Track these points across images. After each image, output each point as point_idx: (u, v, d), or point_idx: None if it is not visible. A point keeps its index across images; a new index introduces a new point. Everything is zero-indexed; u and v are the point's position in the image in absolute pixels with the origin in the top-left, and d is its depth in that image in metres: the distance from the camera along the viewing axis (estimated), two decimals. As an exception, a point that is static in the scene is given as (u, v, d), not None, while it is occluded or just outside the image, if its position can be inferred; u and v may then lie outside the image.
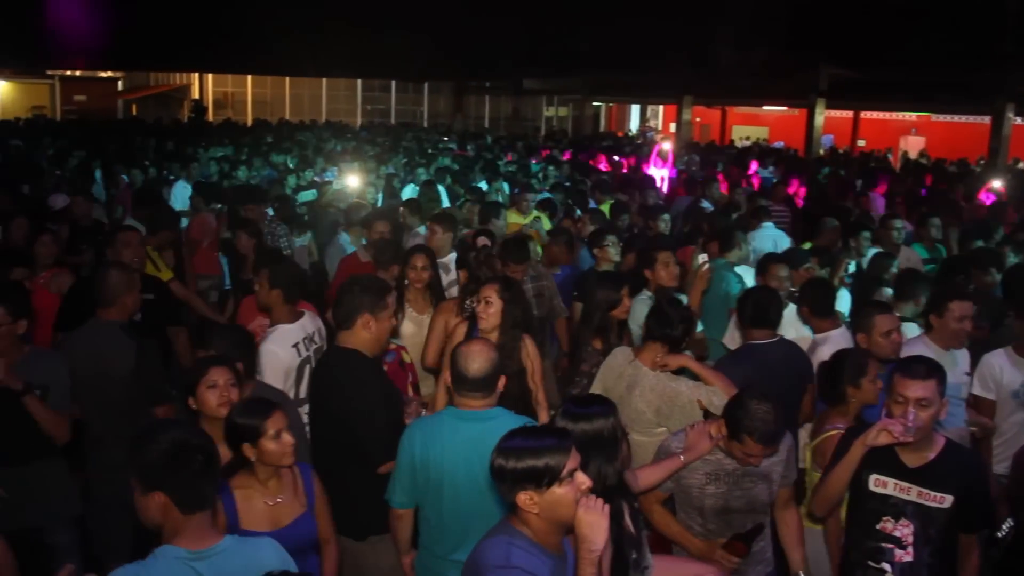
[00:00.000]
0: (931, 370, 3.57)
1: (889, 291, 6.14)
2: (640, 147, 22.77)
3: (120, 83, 45.89)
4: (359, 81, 44.39)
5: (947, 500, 3.58)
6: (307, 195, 11.24)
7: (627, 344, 5.21)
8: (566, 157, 18.92)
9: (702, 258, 5.74)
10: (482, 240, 6.57)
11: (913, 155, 28.00)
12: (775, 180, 13.92)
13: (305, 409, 4.52)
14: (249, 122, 33.53)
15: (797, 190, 13.01)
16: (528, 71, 27.89)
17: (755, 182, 14.56)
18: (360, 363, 4.06)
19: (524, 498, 2.67)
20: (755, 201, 10.34)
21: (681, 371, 4.70)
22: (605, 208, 10.02)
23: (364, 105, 45.20)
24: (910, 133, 34.32)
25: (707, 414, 4.40)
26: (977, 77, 16.54)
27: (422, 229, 8.45)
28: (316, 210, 10.06)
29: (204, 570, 2.58)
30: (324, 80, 43.77)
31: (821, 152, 20.17)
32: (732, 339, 5.99)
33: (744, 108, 37.31)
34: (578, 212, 9.68)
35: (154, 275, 6.38)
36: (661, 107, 43.34)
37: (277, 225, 8.63)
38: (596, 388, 4.89)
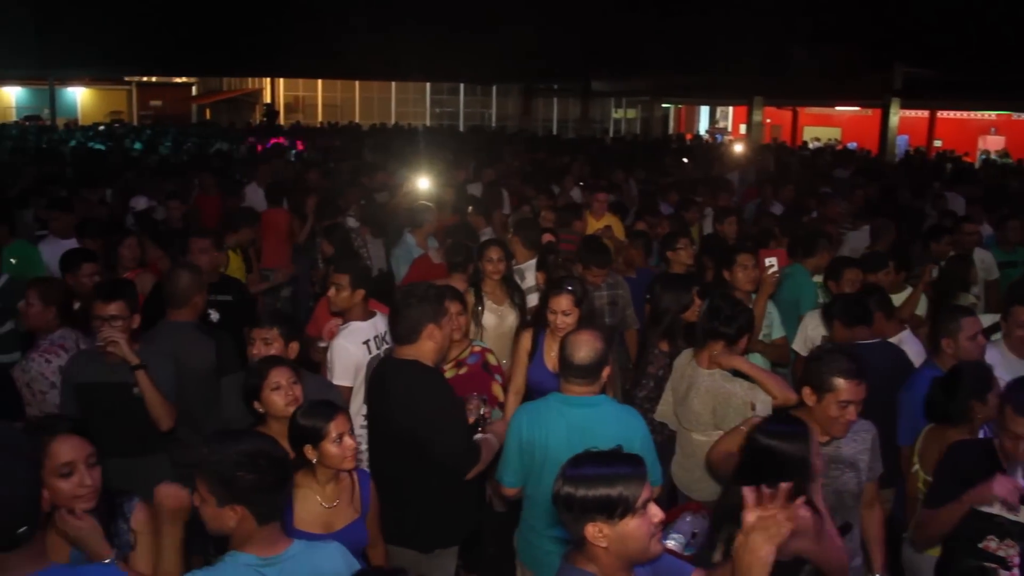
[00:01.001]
0: None
1: (972, 296, 6.00)
2: (709, 148, 22.54)
3: (194, 88, 47.07)
4: (428, 84, 44.79)
5: None
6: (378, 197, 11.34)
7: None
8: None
9: (770, 262, 5.63)
10: (547, 237, 6.48)
11: (993, 155, 27.26)
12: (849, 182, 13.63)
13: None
14: (319, 125, 34.04)
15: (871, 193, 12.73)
16: (597, 73, 27.85)
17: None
18: (426, 374, 4.00)
19: (593, 530, 2.44)
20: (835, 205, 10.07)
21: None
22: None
23: (433, 108, 45.60)
24: (989, 132, 33.43)
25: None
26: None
27: (488, 231, 8.49)
28: (386, 212, 10.14)
29: None
30: (393, 83, 44.26)
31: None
32: (803, 345, 5.89)
33: (816, 108, 36.72)
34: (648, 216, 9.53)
35: (232, 276, 6.49)
36: (731, 108, 42.87)
37: (357, 229, 8.70)
38: (666, 391, 4.88)
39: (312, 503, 3.37)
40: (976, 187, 13.09)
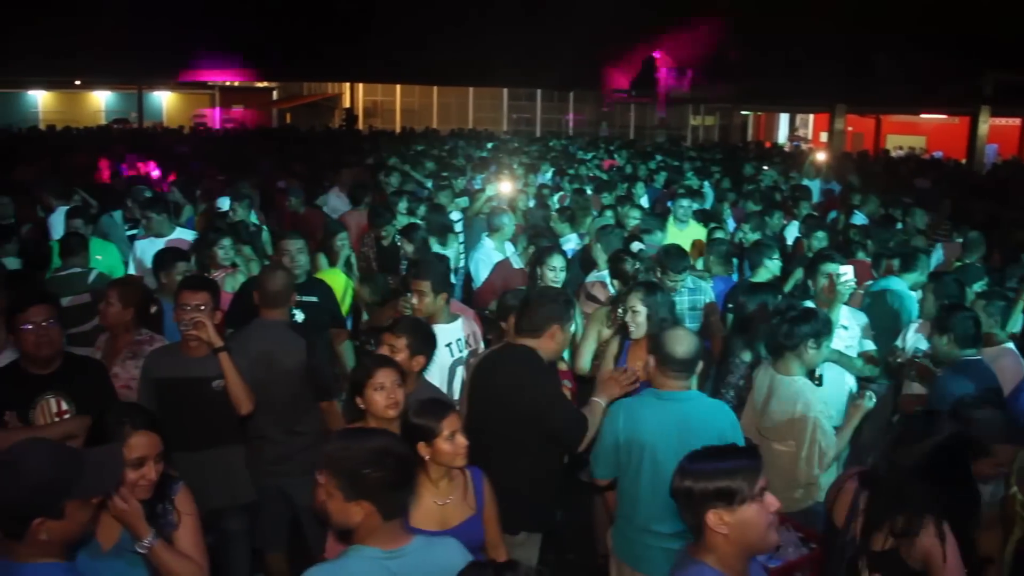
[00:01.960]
0: None
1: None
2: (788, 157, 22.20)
3: (275, 93, 48.03)
4: (505, 90, 44.98)
5: None
6: (459, 202, 11.41)
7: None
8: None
9: (845, 271, 5.51)
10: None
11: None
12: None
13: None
14: (397, 130, 34.41)
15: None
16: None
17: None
18: (541, 360, 4.18)
19: (714, 518, 2.50)
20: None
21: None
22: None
23: (510, 114, 45.75)
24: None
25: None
26: None
27: (574, 237, 8.49)
28: (468, 217, 10.22)
29: (397, 569, 2.65)
30: (471, 89, 44.55)
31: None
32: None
33: (900, 116, 35.84)
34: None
35: (318, 278, 6.59)
36: (811, 116, 42.08)
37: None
38: (747, 403, 4.84)
39: (426, 500, 3.43)
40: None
